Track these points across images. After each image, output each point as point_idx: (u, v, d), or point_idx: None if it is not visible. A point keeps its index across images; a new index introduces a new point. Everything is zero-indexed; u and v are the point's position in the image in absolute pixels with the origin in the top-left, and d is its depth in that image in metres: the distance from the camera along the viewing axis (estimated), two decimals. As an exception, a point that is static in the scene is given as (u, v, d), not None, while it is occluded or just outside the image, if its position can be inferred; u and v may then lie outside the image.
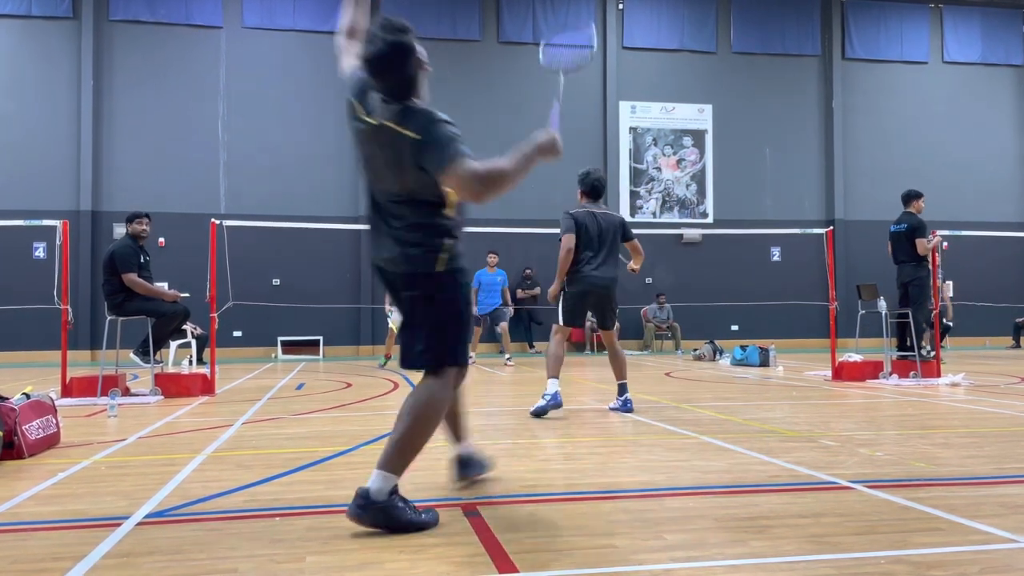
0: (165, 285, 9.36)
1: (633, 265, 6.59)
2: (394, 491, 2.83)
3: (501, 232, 16.43)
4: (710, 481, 3.66)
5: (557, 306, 6.42)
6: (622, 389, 6.34)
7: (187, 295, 8.36)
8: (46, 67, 16.87)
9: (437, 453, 4.42)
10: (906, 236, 9.29)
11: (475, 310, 13.00)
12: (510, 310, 13.75)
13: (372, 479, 2.83)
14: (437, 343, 2.99)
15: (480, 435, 5.10)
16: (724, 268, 18.55)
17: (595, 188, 6.45)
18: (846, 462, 4.04)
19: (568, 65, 3.64)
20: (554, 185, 18.40)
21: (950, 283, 16.47)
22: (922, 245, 9.17)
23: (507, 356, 12.70)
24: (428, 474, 3.84)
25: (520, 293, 17.66)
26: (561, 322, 6.34)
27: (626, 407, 6.24)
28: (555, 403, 6.00)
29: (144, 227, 8.04)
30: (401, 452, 2.90)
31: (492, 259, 13.35)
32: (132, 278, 7.60)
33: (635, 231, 6.61)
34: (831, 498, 3.31)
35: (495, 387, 9.02)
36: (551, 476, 3.79)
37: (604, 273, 6.25)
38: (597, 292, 6.26)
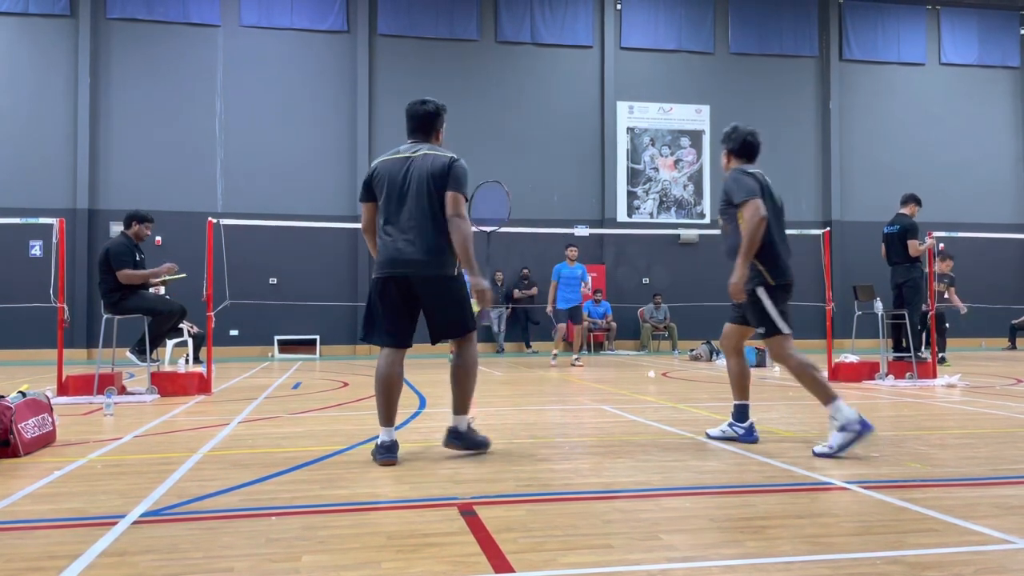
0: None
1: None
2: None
3: (499, 232, 16.41)
4: (706, 481, 3.66)
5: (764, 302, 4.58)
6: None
7: (184, 275, 8.28)
8: (43, 65, 16.85)
9: (434, 453, 4.42)
10: (899, 237, 9.32)
11: (554, 306, 12.09)
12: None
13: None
14: None
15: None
16: (721, 268, 18.31)
17: (749, 145, 4.76)
18: (842, 463, 4.05)
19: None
20: (551, 186, 18.47)
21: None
22: (914, 246, 9.19)
23: (575, 356, 11.98)
24: (424, 473, 3.84)
25: (517, 293, 17.66)
26: (787, 330, 4.53)
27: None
28: (865, 427, 4.17)
29: (148, 231, 8.03)
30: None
31: (572, 252, 12.05)
32: (127, 272, 7.58)
33: (632, 231, 6.14)
34: (827, 499, 3.31)
35: (491, 387, 9.01)
36: (548, 476, 3.79)
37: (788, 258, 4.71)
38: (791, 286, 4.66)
